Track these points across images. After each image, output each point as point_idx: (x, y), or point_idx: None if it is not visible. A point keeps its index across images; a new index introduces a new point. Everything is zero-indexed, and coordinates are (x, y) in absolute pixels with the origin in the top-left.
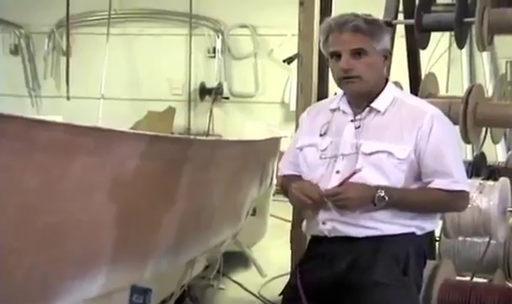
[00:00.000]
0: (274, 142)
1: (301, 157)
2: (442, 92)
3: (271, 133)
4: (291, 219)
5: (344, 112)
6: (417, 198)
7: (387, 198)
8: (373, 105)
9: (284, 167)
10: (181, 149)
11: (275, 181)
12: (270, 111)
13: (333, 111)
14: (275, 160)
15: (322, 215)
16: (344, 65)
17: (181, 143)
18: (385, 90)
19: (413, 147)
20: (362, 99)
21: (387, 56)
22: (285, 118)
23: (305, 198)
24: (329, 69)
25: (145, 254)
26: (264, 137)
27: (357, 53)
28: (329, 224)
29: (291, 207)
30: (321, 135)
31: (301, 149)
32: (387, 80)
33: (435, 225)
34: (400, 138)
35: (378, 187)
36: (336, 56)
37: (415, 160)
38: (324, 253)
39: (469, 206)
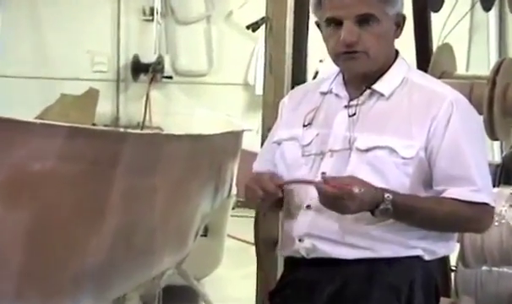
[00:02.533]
0: (233, 137)
1: (278, 154)
2: (460, 70)
3: (230, 126)
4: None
5: (337, 96)
6: (427, 209)
7: (391, 210)
8: (375, 86)
9: (258, 165)
10: (106, 147)
11: (234, 191)
12: (229, 96)
13: (323, 94)
14: (235, 162)
15: (297, 229)
16: (347, 37)
17: (106, 139)
18: (394, 68)
19: (424, 143)
20: (363, 80)
21: (400, 23)
22: (250, 105)
23: (256, 188)
24: (309, 39)
25: (55, 290)
26: (220, 130)
27: (364, 20)
28: (307, 241)
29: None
30: (305, 126)
31: (279, 143)
32: (397, 54)
33: (450, 249)
34: (407, 131)
35: (384, 190)
36: (335, 23)
37: (425, 160)
38: (300, 280)
39: (495, 224)
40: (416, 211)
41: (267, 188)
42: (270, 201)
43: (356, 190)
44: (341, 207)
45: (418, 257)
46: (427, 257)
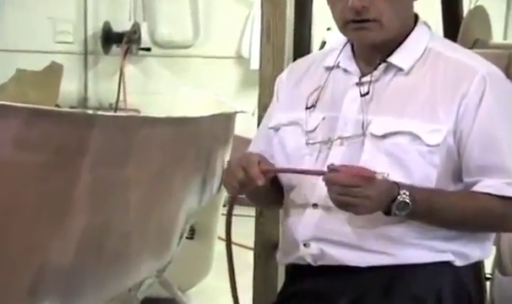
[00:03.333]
0: (224, 121)
1: (276, 142)
2: (497, 38)
3: (220, 107)
4: (253, 243)
5: (346, 71)
6: (456, 206)
7: (410, 204)
8: (392, 59)
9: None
10: (72, 133)
11: None
12: (219, 71)
13: (329, 69)
14: (227, 150)
15: (302, 231)
16: (356, 2)
17: (72, 123)
18: (413, 36)
19: (452, 126)
20: (376, 51)
21: None
22: (244, 82)
23: (237, 169)
24: (314, 2)
25: (9, 301)
26: (208, 112)
27: None
28: (314, 246)
29: (253, 224)
30: (308, 108)
31: (276, 129)
32: (416, 19)
33: (485, 253)
34: (431, 113)
35: (399, 185)
36: None
37: (454, 147)
38: (305, 292)
39: None
40: (440, 207)
41: (249, 171)
42: (249, 188)
43: (379, 177)
44: (357, 202)
45: (447, 263)
46: (457, 263)
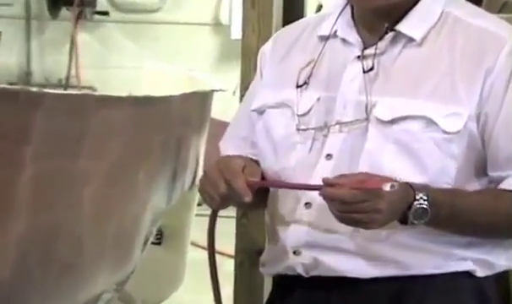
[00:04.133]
0: (199, 101)
1: (260, 127)
2: None
3: (194, 84)
4: (233, 249)
5: (345, 42)
6: (483, 209)
7: (429, 211)
8: (401, 27)
9: (227, 146)
10: (12, 116)
11: None
12: (193, 41)
13: (324, 39)
14: (202, 137)
15: (292, 236)
16: None
17: (12, 104)
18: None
19: (475, 109)
20: (382, 17)
21: None
22: (223, 54)
23: (217, 179)
24: None
25: None
26: (179, 91)
27: None
28: (307, 253)
29: (233, 226)
30: (299, 86)
31: (260, 111)
32: None
33: (511, 261)
34: (450, 92)
35: (414, 188)
36: None
37: (477, 134)
38: None
39: None
40: (464, 212)
41: (233, 185)
42: (232, 203)
43: (386, 188)
44: (365, 218)
45: (467, 273)
46: (479, 273)
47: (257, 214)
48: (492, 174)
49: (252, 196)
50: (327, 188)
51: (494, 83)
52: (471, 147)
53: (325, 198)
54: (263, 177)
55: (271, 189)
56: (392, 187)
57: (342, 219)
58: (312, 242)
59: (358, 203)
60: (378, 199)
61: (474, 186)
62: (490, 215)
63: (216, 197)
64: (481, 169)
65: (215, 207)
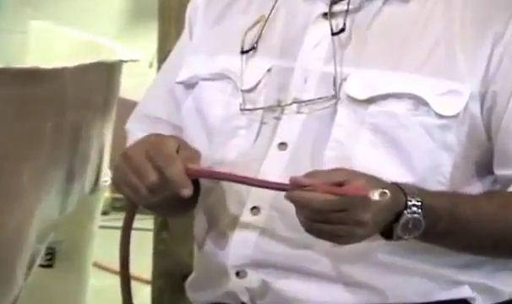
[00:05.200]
0: (103, 75)
1: (189, 107)
2: None
3: (96, 52)
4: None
5: None
6: (485, 218)
7: (423, 222)
8: None
9: (136, 130)
10: None
11: (107, 177)
12: None
13: None
14: (108, 123)
15: (233, 253)
16: None
17: None
18: None
19: (479, 86)
20: None
21: None
22: (135, 13)
23: (143, 163)
24: None
25: None
26: (77, 61)
27: None
28: (253, 275)
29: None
30: (244, 52)
31: (189, 85)
32: None
33: None
34: (446, 64)
35: (406, 192)
36: None
37: (481, 120)
38: None
39: None
40: (465, 222)
41: (167, 172)
42: (164, 195)
43: (374, 196)
44: (343, 231)
45: (464, 302)
46: (479, 302)
47: (181, 226)
48: (500, 173)
49: (192, 188)
50: (295, 192)
51: (505, 52)
52: (472, 136)
53: (293, 202)
54: None
55: (204, 186)
56: (382, 195)
57: (312, 231)
58: (260, 260)
59: (336, 212)
60: (363, 209)
61: (474, 187)
62: (499, 229)
63: (142, 189)
64: (484, 165)
65: (139, 201)
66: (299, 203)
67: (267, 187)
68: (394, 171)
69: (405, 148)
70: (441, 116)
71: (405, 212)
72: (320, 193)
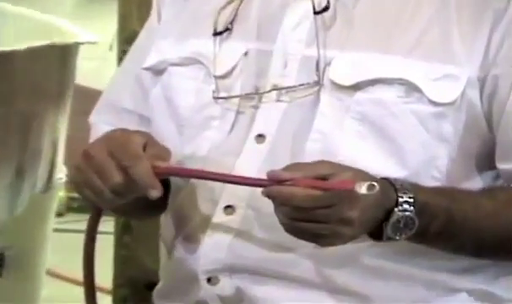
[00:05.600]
0: (56, 59)
1: (158, 95)
2: None
3: (48, 34)
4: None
5: None
6: (486, 217)
7: (416, 221)
8: None
9: (101, 122)
10: None
11: (62, 174)
12: None
13: None
14: (63, 113)
15: (204, 257)
16: None
17: None
18: None
19: (477, 70)
20: None
21: None
22: None
23: (105, 163)
24: None
25: None
26: (26, 43)
27: None
28: (227, 281)
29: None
30: (217, 34)
31: (157, 71)
32: None
33: None
34: (441, 46)
35: (396, 187)
36: None
37: (480, 107)
38: None
39: None
40: (463, 224)
41: (133, 172)
42: (130, 198)
43: (362, 189)
44: (327, 230)
45: None
46: None
47: (145, 229)
48: (503, 166)
49: (161, 189)
50: (274, 187)
51: (507, 32)
52: (471, 126)
53: (271, 198)
54: None
55: (175, 183)
56: (370, 188)
57: (292, 230)
58: (235, 265)
59: (319, 208)
60: (349, 206)
61: (474, 183)
62: (501, 228)
63: (106, 191)
64: (485, 159)
65: (104, 205)
66: (278, 200)
67: (242, 184)
68: (383, 165)
69: (395, 139)
70: (435, 104)
71: (396, 209)
72: (302, 188)
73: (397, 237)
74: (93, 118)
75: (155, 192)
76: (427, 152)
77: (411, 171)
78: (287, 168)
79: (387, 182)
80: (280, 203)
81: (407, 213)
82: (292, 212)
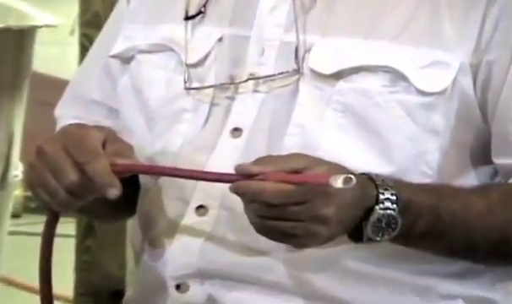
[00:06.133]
0: (11, 44)
1: (126, 86)
2: None
3: (3, 16)
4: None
5: None
6: (478, 217)
7: (399, 220)
8: None
9: (67, 115)
10: None
11: (18, 172)
12: None
13: None
14: (19, 103)
15: (174, 261)
16: None
17: None
18: None
19: (470, 56)
20: None
21: None
22: None
23: (61, 161)
24: None
25: None
26: None
27: None
28: (198, 288)
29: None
30: (190, 18)
31: (126, 58)
32: None
33: None
34: (430, 30)
35: (377, 183)
36: None
37: (474, 97)
38: None
39: None
40: (452, 224)
41: (90, 170)
42: (86, 200)
43: (337, 183)
44: (300, 229)
45: None
46: None
47: (110, 232)
48: (500, 161)
49: (120, 187)
50: (242, 182)
51: (502, 14)
52: (463, 117)
53: (239, 195)
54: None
55: (143, 183)
56: (347, 181)
57: (263, 229)
58: (206, 270)
59: (291, 205)
60: (324, 202)
61: (468, 179)
62: (496, 228)
63: (61, 191)
64: (480, 153)
65: (59, 207)
66: (246, 196)
67: (205, 180)
68: (367, 161)
69: (380, 132)
70: (424, 94)
71: (377, 207)
72: (272, 183)
73: (378, 238)
74: (58, 111)
75: (114, 191)
76: (416, 146)
77: (399, 166)
78: (258, 161)
79: (366, 178)
80: (248, 199)
81: (389, 211)
82: (262, 209)
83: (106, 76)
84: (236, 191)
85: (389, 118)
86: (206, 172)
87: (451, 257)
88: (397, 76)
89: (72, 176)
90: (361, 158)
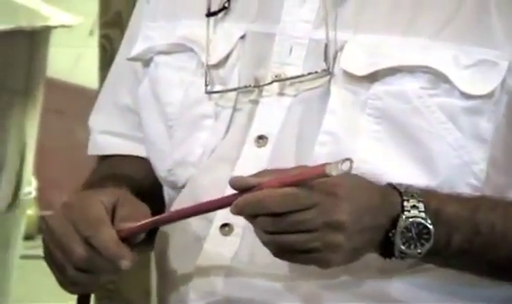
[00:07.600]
0: (24, 45)
1: (146, 91)
2: None
3: (15, 16)
4: None
5: None
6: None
7: (432, 229)
8: None
9: (101, 125)
10: None
11: (31, 189)
12: None
13: None
14: (32, 110)
15: (199, 286)
16: None
17: None
18: None
19: None
20: None
21: None
22: None
23: (69, 239)
24: None
25: None
26: None
27: None
28: None
29: None
30: (212, 14)
31: (145, 61)
32: None
33: None
34: (476, 26)
35: (400, 191)
36: None
37: None
38: None
39: None
40: (489, 233)
41: (95, 241)
42: (100, 275)
43: (333, 170)
44: (315, 242)
45: None
46: None
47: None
48: None
49: (133, 256)
50: (239, 198)
51: None
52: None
53: (241, 214)
54: (155, 210)
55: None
56: (344, 165)
57: (278, 250)
58: (234, 296)
59: (298, 211)
60: (333, 204)
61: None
62: None
63: (69, 268)
64: None
65: (72, 287)
66: (248, 211)
67: (208, 211)
68: (408, 173)
69: (420, 140)
70: (468, 97)
71: (403, 215)
72: (270, 190)
73: (410, 251)
74: (92, 120)
75: (125, 263)
76: (461, 155)
77: (443, 178)
78: (256, 174)
79: (389, 186)
80: (251, 214)
81: (418, 219)
82: (268, 222)
83: (135, 80)
84: (236, 211)
85: (430, 125)
86: (208, 202)
87: (494, 276)
88: (437, 77)
89: (78, 251)
90: (400, 170)
